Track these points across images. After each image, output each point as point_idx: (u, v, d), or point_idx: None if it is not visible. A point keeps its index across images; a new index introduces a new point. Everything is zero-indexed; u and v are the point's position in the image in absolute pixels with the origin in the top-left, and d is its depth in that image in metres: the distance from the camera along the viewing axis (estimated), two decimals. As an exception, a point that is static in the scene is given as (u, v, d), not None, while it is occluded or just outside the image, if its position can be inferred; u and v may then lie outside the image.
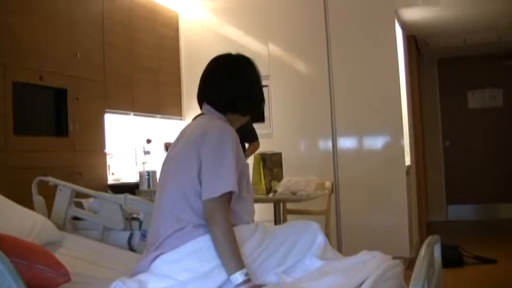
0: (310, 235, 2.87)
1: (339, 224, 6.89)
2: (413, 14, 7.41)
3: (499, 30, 8.61)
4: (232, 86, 2.92)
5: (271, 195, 5.18)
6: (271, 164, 5.40)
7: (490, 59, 10.38)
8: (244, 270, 2.55)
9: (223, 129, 2.78)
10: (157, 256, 2.69)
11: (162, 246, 2.69)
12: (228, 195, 2.67)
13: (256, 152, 5.72)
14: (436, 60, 10.76)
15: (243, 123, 3.10)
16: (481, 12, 7.58)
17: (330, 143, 7.02)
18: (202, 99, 2.99)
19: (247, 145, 6.19)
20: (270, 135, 6.98)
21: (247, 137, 6.23)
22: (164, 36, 7.27)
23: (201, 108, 3.01)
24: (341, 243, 6.81)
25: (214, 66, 2.99)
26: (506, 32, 8.66)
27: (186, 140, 2.83)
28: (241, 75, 2.95)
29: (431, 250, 2.76)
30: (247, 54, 3.07)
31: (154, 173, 5.58)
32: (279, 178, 5.39)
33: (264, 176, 5.24)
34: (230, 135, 2.77)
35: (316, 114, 7.03)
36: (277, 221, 5.21)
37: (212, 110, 2.92)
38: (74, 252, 3.47)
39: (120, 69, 6.25)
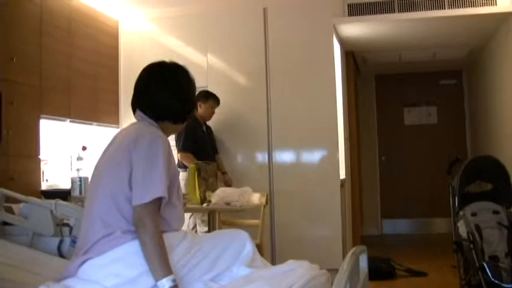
0: (238, 243, 2.90)
1: (273, 235, 6.93)
2: (352, 29, 7.52)
3: (433, 49, 8.80)
4: (161, 94, 2.94)
5: (205, 205, 5.20)
6: (206, 174, 5.42)
7: (425, 76, 10.62)
8: (171, 277, 2.56)
9: (155, 136, 2.80)
10: (85, 261, 2.67)
11: (90, 251, 2.68)
12: (158, 202, 2.68)
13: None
14: (373, 76, 10.92)
15: (177, 131, 3.12)
16: (416, 30, 7.75)
17: (266, 156, 7.07)
18: (135, 105, 3.00)
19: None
20: (207, 147, 6.99)
21: (217, 149, 6.75)
22: (103, 43, 7.21)
23: (134, 114, 3.01)
24: (275, 254, 6.85)
25: (147, 73, 3.00)
26: (440, 50, 8.86)
27: (118, 145, 2.83)
28: (171, 83, 2.96)
29: (356, 259, 2.81)
30: (185, 64, 3.08)
31: (86, 179, 5.53)
32: (214, 188, 5.41)
33: (199, 186, 5.25)
34: (161, 141, 2.78)
35: (253, 127, 7.06)
36: (211, 231, 5.22)
37: (144, 116, 2.93)
38: (1, 258, 3.41)
39: (58, 75, 6.17)
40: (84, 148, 6.22)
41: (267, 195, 5.94)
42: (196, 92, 3.16)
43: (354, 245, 7.83)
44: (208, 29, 7.31)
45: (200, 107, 6.59)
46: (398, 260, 7.10)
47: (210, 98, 6.62)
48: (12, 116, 5.34)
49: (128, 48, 7.52)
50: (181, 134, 6.33)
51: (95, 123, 6.90)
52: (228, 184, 6.55)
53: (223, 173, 6.73)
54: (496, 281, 4.38)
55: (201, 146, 6.48)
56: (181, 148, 6.39)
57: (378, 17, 7.10)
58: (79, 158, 5.97)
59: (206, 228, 5.81)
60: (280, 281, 2.62)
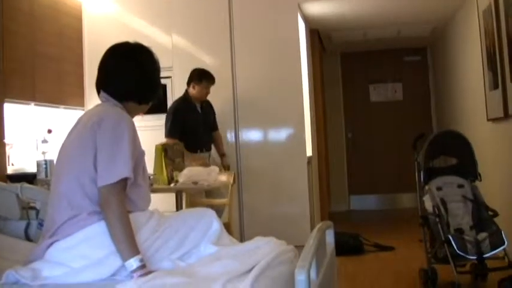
0: (205, 222, 2.91)
1: (241, 213, 6.95)
2: (317, 8, 7.53)
3: (397, 26, 8.84)
4: (125, 74, 2.93)
5: (172, 185, 5.20)
6: (173, 155, 5.41)
7: (390, 53, 10.67)
8: (139, 257, 2.57)
9: (120, 116, 2.80)
10: (52, 243, 2.68)
11: (56, 233, 2.68)
12: (124, 182, 2.69)
13: (158, 143, 5.74)
14: (339, 54, 10.95)
15: (142, 112, 3.10)
16: (380, 8, 7.77)
17: (233, 135, 7.07)
18: (99, 87, 2.99)
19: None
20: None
21: (215, 126, 6.69)
22: (67, 26, 7.13)
23: (99, 95, 3.00)
24: (244, 233, 6.88)
25: (110, 54, 2.99)
26: (404, 27, 8.90)
27: (83, 127, 2.82)
28: (134, 63, 2.95)
29: (323, 234, 2.83)
30: (150, 45, 3.07)
31: (52, 162, 5.49)
32: (181, 168, 5.40)
33: (166, 166, 5.24)
34: (126, 122, 2.78)
35: (219, 107, 7.00)
36: (178, 211, 5.22)
37: (109, 97, 2.92)
38: (-32, 243, 3.40)
39: (21, 58, 6.09)
40: (49, 131, 6.17)
41: (234, 174, 5.95)
42: (161, 72, 3.13)
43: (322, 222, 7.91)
44: (172, 8, 7.25)
45: (194, 88, 6.42)
46: (366, 235, 7.17)
47: (204, 79, 6.41)
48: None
49: (92, 30, 7.44)
50: (169, 119, 6.25)
51: (60, 106, 6.84)
52: (226, 169, 6.52)
53: (222, 155, 6.69)
54: (461, 253, 4.44)
55: (191, 131, 6.31)
56: (168, 134, 6.25)
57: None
58: (44, 141, 5.92)
59: None
60: (248, 258, 2.63)
